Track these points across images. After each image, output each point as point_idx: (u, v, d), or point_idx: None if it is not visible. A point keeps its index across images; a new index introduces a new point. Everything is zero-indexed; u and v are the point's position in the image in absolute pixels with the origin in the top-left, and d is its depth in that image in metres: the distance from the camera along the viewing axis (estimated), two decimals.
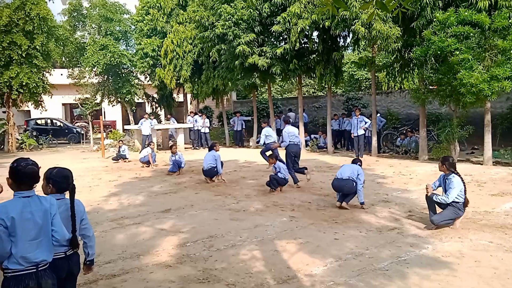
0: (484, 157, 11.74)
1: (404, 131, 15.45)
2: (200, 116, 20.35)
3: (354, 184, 7.07)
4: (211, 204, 7.85)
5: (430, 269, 4.48)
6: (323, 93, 24.94)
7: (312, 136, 18.17)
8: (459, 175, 5.93)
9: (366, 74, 24.67)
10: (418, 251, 5.06)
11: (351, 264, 4.67)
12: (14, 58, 19.82)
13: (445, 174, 6.06)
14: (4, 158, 16.51)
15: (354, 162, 7.59)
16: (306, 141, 17.35)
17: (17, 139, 21.51)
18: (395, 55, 13.39)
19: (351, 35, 14.30)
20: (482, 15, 10.26)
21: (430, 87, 12.88)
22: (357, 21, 12.36)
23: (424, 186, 6.31)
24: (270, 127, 12.87)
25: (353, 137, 14.53)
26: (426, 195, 6.09)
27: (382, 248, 5.18)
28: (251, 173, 11.60)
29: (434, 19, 11.16)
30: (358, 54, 16.57)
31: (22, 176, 2.67)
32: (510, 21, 10.12)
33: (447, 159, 6.14)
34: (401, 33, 12.18)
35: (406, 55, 12.98)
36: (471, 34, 10.56)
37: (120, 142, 16.18)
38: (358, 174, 7.13)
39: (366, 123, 14.17)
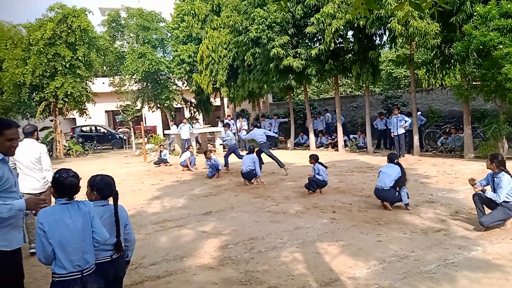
0: None
1: (447, 129, 14.93)
2: (235, 119, 20.59)
3: (397, 193, 6.93)
4: (250, 206, 7.90)
5: (480, 272, 4.31)
6: (360, 92, 24.54)
7: (351, 136, 17.90)
8: (509, 173, 5.67)
9: (405, 71, 24.06)
10: (467, 253, 4.88)
11: (395, 267, 4.57)
12: (58, 69, 20.78)
13: (494, 172, 5.81)
14: (53, 164, 17.23)
15: (391, 160, 7.39)
16: (344, 141, 17.12)
17: (64, 146, 22.48)
18: (434, 52, 13.00)
19: (387, 33, 13.99)
20: None
21: (473, 82, 12.40)
22: (393, 19, 12.10)
23: (470, 186, 6.07)
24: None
25: (393, 136, 14.22)
26: (474, 194, 5.86)
27: (428, 250, 5.03)
28: (290, 175, 11.57)
29: (475, 13, 10.76)
30: (395, 51, 16.13)
31: (63, 187, 2.81)
32: None
33: (496, 156, 5.89)
34: (440, 29, 11.83)
35: (447, 50, 12.57)
36: None
37: (161, 146, 16.60)
38: (399, 176, 6.97)
39: (406, 121, 13.82)
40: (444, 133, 14.80)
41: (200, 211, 7.75)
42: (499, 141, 11.42)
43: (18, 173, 5.33)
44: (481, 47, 10.47)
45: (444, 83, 18.74)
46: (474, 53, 11.03)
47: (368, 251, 5.12)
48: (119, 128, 32.78)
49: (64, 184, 2.80)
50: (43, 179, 5.73)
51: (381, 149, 16.72)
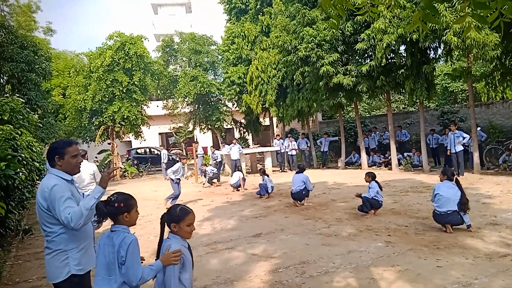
0: None
1: (510, 146, 13.99)
2: (287, 138, 20.56)
3: (460, 215, 6.51)
4: (301, 228, 7.73)
5: None
6: (414, 108, 23.72)
7: (405, 154, 17.24)
8: None
9: (462, 85, 23.02)
10: None
11: None
12: (116, 94, 21.89)
13: None
14: (110, 186, 17.96)
15: (448, 177, 6.96)
16: (398, 159, 16.52)
17: (120, 167, 23.44)
18: (494, 63, 12.34)
19: (442, 46, 13.47)
20: None
21: None
22: (449, 31, 11.64)
23: None
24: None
25: (449, 154, 13.53)
26: None
27: (494, 277, 4.64)
28: (341, 195, 11.27)
29: None
30: (451, 65, 15.51)
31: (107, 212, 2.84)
32: None
33: None
34: (499, 40, 11.21)
35: (508, 62, 11.87)
36: None
37: (204, 166, 16.91)
38: (459, 198, 6.57)
39: (464, 138, 13.12)
40: (507, 150, 13.87)
41: (250, 233, 7.69)
42: None
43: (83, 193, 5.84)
44: None
45: (505, 96, 17.69)
46: None
47: (427, 277, 4.81)
48: (171, 150, 33.77)
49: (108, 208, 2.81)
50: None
51: (438, 167, 15.94)
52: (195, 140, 18.27)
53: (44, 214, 2.88)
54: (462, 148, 13.14)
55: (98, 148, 24.43)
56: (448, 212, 6.61)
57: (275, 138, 21.67)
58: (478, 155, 13.59)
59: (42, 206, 2.87)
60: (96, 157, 25.59)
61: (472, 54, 12.78)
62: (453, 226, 6.66)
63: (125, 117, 22.04)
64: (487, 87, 13.71)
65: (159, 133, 36.97)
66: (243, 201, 11.71)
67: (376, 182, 8.42)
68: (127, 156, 28.47)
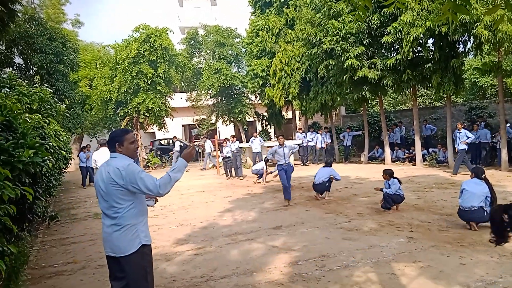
0: None
1: None
2: (312, 132, 20.49)
3: (486, 212, 6.35)
4: (322, 222, 7.70)
5: None
6: (441, 103, 23.18)
7: (431, 150, 16.90)
8: None
9: (491, 80, 22.34)
10: None
11: None
12: (141, 85, 22.20)
13: None
14: None
15: (476, 174, 6.80)
16: (423, 155, 16.22)
17: (144, 158, 23.82)
18: None
19: (472, 39, 13.08)
20: None
21: None
22: (479, 24, 11.29)
23: None
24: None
25: (457, 151, 13.39)
26: None
27: None
28: (364, 190, 11.16)
29: None
30: (481, 59, 15.05)
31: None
32: None
33: None
34: None
35: None
36: None
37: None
38: (486, 196, 6.41)
39: (468, 137, 12.85)
40: None
41: (271, 225, 7.71)
42: None
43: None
44: None
45: None
46: None
47: (450, 274, 4.72)
48: (194, 141, 34.05)
49: None
50: None
51: (463, 163, 15.56)
52: (227, 137, 18.40)
53: (119, 191, 3.15)
54: (464, 147, 12.91)
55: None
56: (473, 208, 6.47)
57: (297, 132, 21.57)
58: (506, 152, 13.21)
59: (116, 183, 3.13)
60: None
61: (503, 48, 12.36)
62: (478, 224, 6.51)
63: (150, 108, 22.35)
64: None
65: (182, 125, 37.32)
66: (264, 194, 11.74)
67: (396, 178, 8.30)
68: (150, 147, 28.86)
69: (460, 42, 13.94)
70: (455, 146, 13.52)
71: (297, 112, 24.54)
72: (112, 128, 25.46)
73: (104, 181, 3.18)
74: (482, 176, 6.76)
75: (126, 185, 3.12)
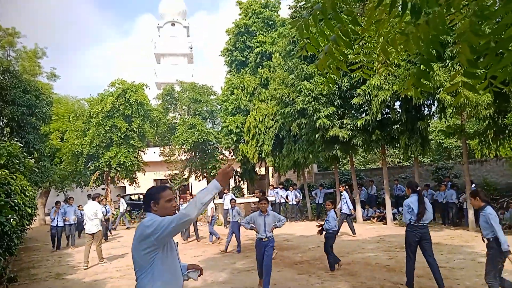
0: None
1: (505, 203, 13.99)
2: (281, 189, 20.50)
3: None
4: (294, 284, 7.55)
5: None
6: (409, 163, 23.89)
7: (401, 209, 17.15)
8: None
9: (456, 142, 23.35)
10: None
11: None
12: (114, 139, 22.04)
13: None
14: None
15: (413, 189, 7.03)
16: (393, 214, 16.43)
17: (113, 214, 23.10)
18: (487, 122, 12.58)
19: (436, 103, 13.83)
20: None
21: None
22: (442, 90, 11.98)
23: None
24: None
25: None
26: None
27: None
28: (336, 249, 11.06)
29: None
30: (445, 122, 15.85)
31: None
32: None
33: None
34: (492, 99, 11.53)
35: (500, 121, 12.14)
36: None
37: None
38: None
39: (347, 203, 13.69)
40: (501, 208, 13.86)
41: (241, 286, 7.48)
42: None
43: None
44: None
45: (499, 154, 17.92)
46: None
47: None
48: None
49: None
50: (95, 225, 10.75)
51: (432, 223, 15.81)
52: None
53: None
54: (345, 211, 13.70)
55: (91, 193, 24.19)
56: (426, 223, 6.86)
57: (270, 188, 21.60)
58: (473, 212, 13.54)
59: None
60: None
61: (465, 113, 13.09)
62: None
63: (121, 162, 22.07)
64: (481, 144, 13.91)
65: (154, 180, 36.77)
66: (236, 253, 11.47)
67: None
68: (120, 196, 28.12)
69: (425, 106, 14.69)
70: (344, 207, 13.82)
71: (270, 169, 24.71)
72: (82, 182, 24.82)
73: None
74: (418, 189, 6.91)
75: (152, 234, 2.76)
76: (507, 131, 12.27)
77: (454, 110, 13.51)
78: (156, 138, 30.03)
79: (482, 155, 20.51)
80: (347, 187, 14.83)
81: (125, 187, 32.10)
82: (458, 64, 10.13)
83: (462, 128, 13.64)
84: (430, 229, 13.37)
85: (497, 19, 2.19)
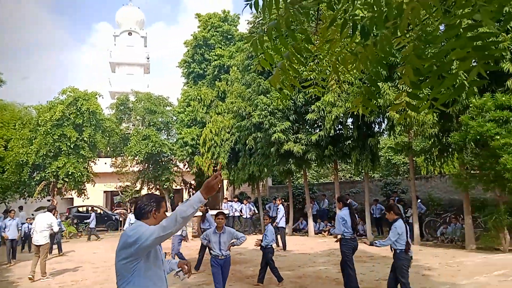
0: None
1: (448, 218, 14.71)
2: (236, 202, 20.45)
3: None
4: None
5: None
6: (360, 178, 24.64)
7: None
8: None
9: (404, 158, 24.36)
10: None
11: None
12: (63, 149, 21.14)
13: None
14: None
15: (344, 203, 7.40)
16: None
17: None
18: (432, 140, 13.26)
19: (386, 121, 14.42)
20: None
21: (472, 171, 12.47)
22: (391, 108, 12.52)
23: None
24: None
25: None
26: None
27: None
28: (287, 263, 11.16)
29: (471, 105, 11.14)
30: (394, 139, 16.55)
31: None
32: None
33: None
34: (437, 119, 12.18)
35: (444, 139, 12.83)
36: (511, 118, 10.41)
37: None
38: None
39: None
40: (444, 223, 14.57)
41: None
42: (501, 232, 11.18)
43: None
44: (478, 137, 10.70)
45: (443, 171, 18.87)
46: (472, 143, 11.24)
47: None
48: (115, 209, 32.34)
49: None
50: (44, 237, 10.40)
51: (381, 236, 16.35)
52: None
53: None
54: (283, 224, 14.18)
55: (36, 205, 22.93)
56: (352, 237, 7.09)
57: (224, 202, 21.49)
58: (418, 227, 14.14)
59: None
60: (32, 214, 23.97)
61: (412, 131, 13.74)
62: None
63: (70, 173, 21.17)
64: (426, 161, 14.62)
65: (104, 192, 35.52)
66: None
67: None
68: (67, 214, 26.91)
69: (376, 123, 15.29)
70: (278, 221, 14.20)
71: (225, 182, 24.62)
72: (26, 193, 23.51)
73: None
74: (348, 203, 7.35)
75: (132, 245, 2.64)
76: (450, 149, 12.98)
77: (402, 128, 14.15)
78: (108, 149, 29.10)
79: (427, 171, 21.55)
80: (283, 200, 15.18)
81: (72, 198, 30.77)
82: (403, 84, 10.67)
83: (410, 146, 14.29)
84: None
85: (441, 44, 2.34)
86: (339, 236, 7.10)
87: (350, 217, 7.06)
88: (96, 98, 22.80)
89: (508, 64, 10.50)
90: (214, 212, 10.90)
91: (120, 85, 47.75)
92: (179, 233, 10.97)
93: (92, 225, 20.01)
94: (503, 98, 10.43)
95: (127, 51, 51.69)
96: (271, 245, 8.57)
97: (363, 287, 8.00)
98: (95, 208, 27.11)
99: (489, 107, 10.63)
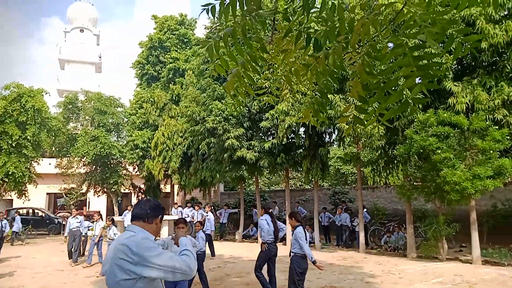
0: (472, 256, 11.54)
1: (391, 227, 15.32)
2: (187, 208, 20.16)
3: None
4: None
5: None
6: (309, 186, 25.11)
7: None
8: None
9: (352, 168, 25.13)
10: None
11: None
12: (3, 147, 19.94)
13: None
14: None
15: (266, 211, 7.84)
16: None
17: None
18: (379, 152, 13.77)
19: (336, 131, 14.83)
20: (460, 116, 10.83)
21: (415, 183, 13.07)
22: (340, 120, 12.89)
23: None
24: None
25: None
26: None
27: None
28: (236, 269, 11.14)
29: (415, 119, 11.71)
30: (343, 149, 17.04)
31: None
32: (487, 122, 10.65)
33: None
34: (384, 132, 12.68)
35: (390, 152, 13.36)
36: (451, 134, 11.04)
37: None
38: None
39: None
40: (388, 231, 15.15)
41: None
42: (439, 241, 11.79)
43: None
44: (421, 150, 11.25)
45: (388, 182, 19.64)
46: (415, 156, 11.80)
47: None
48: (59, 212, 30.85)
49: None
50: None
51: (328, 244, 16.74)
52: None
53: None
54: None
55: None
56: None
57: (173, 207, 21.13)
58: (363, 235, 14.61)
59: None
60: None
61: (361, 142, 14.21)
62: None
63: (10, 173, 19.98)
64: (373, 172, 15.16)
65: (47, 193, 33.81)
66: None
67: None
68: (5, 216, 25.29)
69: (327, 133, 15.70)
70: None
71: (176, 187, 24.25)
72: None
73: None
74: (270, 211, 7.82)
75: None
76: (395, 161, 13.54)
77: (351, 139, 14.62)
78: (53, 149, 27.81)
79: (373, 182, 22.34)
80: (212, 208, 15.32)
81: (12, 200, 29.06)
82: (351, 100, 11.06)
83: (358, 156, 14.77)
84: (325, 250, 14.16)
85: (388, 61, 2.44)
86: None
87: (273, 224, 7.52)
88: (43, 95, 21.71)
89: (450, 82, 11.16)
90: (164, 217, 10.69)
91: (69, 83, 45.91)
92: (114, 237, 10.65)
93: (16, 228, 18.75)
94: (445, 115, 11.05)
95: (78, 49, 49.88)
96: (203, 251, 8.58)
97: None
98: (36, 211, 25.80)
99: (431, 123, 11.22)
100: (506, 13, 10.61)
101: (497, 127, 10.73)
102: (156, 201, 2.71)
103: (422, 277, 9.54)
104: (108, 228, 11.59)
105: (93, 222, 13.12)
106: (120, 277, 2.29)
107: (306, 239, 6.33)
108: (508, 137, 10.77)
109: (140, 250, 2.30)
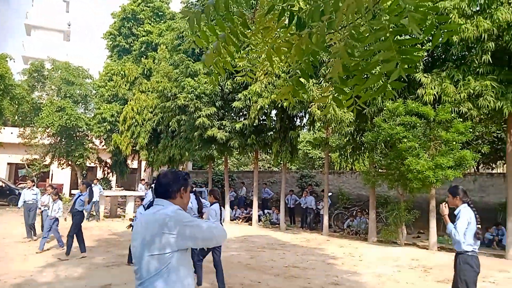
0: (429, 242, 12.05)
1: (354, 212, 15.75)
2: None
3: None
4: None
5: None
6: (278, 168, 25.35)
7: (266, 211, 18.11)
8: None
9: (320, 153, 25.53)
10: None
11: None
12: None
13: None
14: None
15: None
16: (259, 215, 17.26)
17: None
18: (347, 138, 14.01)
19: (307, 116, 14.96)
20: (427, 107, 11.13)
21: (379, 170, 13.42)
22: (313, 104, 13.01)
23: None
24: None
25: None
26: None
27: None
28: None
29: (384, 108, 11.95)
30: (313, 134, 17.26)
31: None
32: (452, 115, 11.01)
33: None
34: (354, 118, 12.88)
35: (358, 138, 13.63)
36: (418, 124, 11.36)
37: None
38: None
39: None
40: (351, 216, 15.57)
41: (98, 283, 7.09)
42: (399, 227, 12.23)
43: None
44: (388, 138, 11.52)
45: (354, 168, 20.08)
46: (382, 144, 12.09)
47: None
48: (20, 183, 29.89)
49: None
50: None
51: (293, 226, 17.06)
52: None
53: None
54: None
55: None
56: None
57: (140, 183, 20.89)
58: (327, 218, 14.96)
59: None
60: None
61: (331, 127, 14.41)
62: None
63: None
64: (340, 158, 15.46)
65: (8, 163, 32.65)
66: (96, 247, 10.82)
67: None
68: None
69: (298, 117, 15.82)
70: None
71: (143, 163, 23.93)
72: None
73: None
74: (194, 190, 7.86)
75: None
76: (363, 148, 13.84)
77: (322, 124, 14.79)
78: (16, 117, 26.75)
79: (340, 167, 22.80)
80: (151, 187, 15.16)
81: None
82: (329, 81, 11.14)
83: (327, 142, 14.99)
84: (290, 231, 14.41)
85: (369, 44, 2.47)
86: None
87: (197, 201, 7.18)
88: (7, 61, 20.76)
89: (421, 74, 11.42)
90: (129, 193, 10.58)
91: (35, 51, 43.92)
92: (55, 215, 10.05)
93: None
94: (413, 105, 11.33)
95: (46, 15, 47.62)
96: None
97: (273, 273, 8.31)
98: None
99: (400, 112, 11.49)
100: (478, 8, 10.88)
101: (461, 120, 11.11)
102: (175, 172, 2.52)
103: (381, 260, 9.91)
104: (53, 202, 10.17)
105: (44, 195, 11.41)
106: (158, 251, 2.19)
107: (220, 216, 6.80)
108: (471, 130, 11.21)
109: (177, 222, 2.22)
